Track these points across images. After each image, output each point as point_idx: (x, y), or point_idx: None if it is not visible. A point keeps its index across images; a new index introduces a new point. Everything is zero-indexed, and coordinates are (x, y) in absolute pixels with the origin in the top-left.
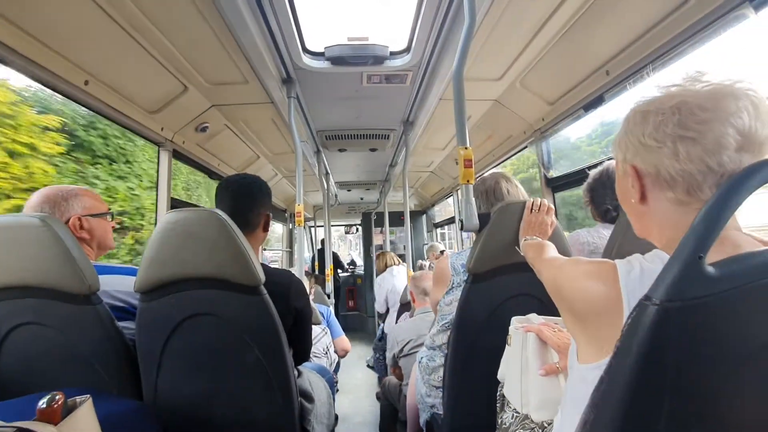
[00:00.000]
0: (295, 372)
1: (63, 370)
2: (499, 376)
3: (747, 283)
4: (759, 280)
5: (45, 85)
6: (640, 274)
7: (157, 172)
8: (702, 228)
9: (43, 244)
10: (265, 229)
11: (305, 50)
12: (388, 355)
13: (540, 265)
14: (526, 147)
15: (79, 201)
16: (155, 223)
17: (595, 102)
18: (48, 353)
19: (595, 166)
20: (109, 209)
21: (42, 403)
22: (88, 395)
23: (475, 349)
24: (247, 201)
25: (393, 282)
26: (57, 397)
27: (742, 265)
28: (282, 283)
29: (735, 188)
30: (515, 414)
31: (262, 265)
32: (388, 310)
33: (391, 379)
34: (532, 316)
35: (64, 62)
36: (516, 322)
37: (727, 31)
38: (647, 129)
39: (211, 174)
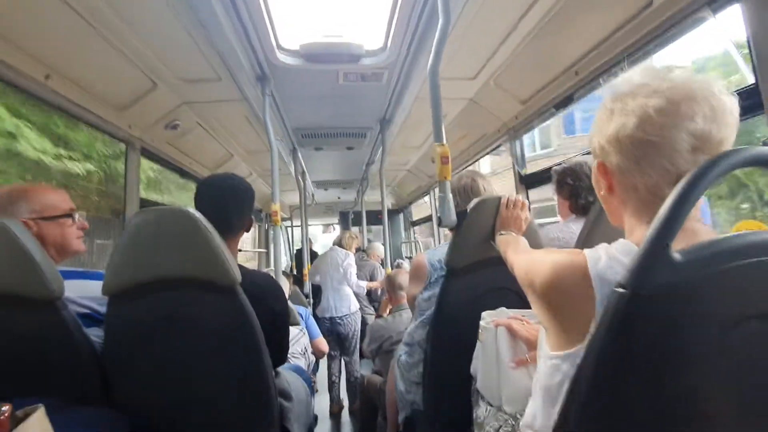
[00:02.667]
0: (273, 373)
1: (27, 380)
2: (471, 371)
3: (712, 268)
4: (723, 265)
5: (1, 80)
6: (608, 262)
7: (125, 171)
8: (667, 219)
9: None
10: (247, 230)
11: (279, 47)
12: (367, 348)
13: (512, 259)
14: (500, 145)
15: (27, 203)
16: (123, 224)
17: (565, 101)
18: (11, 363)
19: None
20: (71, 209)
21: None
22: (40, 404)
23: (453, 344)
24: (231, 205)
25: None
26: (3, 409)
27: (707, 252)
28: (260, 285)
29: (695, 182)
30: (489, 407)
31: (240, 266)
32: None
33: (372, 377)
34: (502, 310)
35: (23, 55)
36: (486, 317)
37: (689, 32)
38: (611, 130)
39: (182, 173)
